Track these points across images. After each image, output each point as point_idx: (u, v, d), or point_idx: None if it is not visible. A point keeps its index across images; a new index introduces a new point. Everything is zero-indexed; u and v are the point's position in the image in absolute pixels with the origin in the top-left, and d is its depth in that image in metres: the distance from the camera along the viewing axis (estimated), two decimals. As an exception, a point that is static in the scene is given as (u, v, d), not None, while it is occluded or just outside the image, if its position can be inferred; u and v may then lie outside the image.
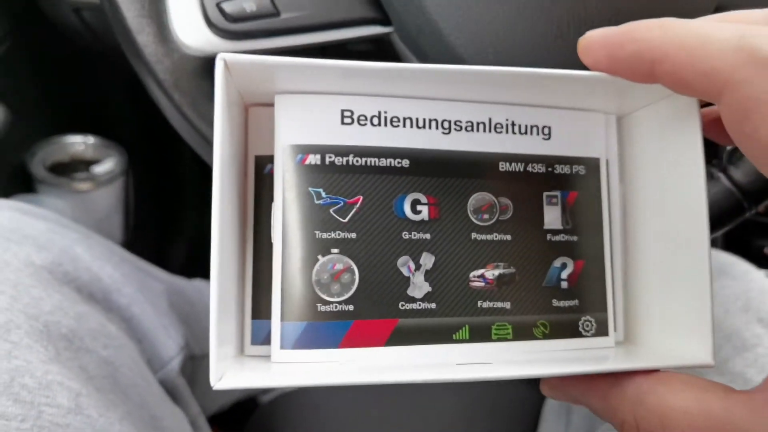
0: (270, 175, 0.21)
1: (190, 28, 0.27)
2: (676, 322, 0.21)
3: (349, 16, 0.28)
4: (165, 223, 0.77)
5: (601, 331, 0.22)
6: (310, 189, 0.20)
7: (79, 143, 0.66)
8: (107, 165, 0.66)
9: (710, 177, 0.28)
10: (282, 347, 0.20)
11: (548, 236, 0.22)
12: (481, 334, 0.21)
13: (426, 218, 0.21)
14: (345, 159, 0.20)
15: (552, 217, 0.22)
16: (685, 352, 0.20)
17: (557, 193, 0.22)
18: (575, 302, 0.22)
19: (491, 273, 0.21)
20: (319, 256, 0.20)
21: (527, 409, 0.49)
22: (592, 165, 0.23)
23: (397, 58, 0.29)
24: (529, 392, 0.50)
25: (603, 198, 0.23)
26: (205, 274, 0.23)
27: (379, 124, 0.21)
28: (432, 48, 0.26)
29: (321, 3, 0.27)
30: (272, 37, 0.27)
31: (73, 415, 0.26)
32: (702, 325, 0.19)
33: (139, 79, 0.29)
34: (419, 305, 0.20)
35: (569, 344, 0.22)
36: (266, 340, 0.21)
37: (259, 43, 0.27)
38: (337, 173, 0.20)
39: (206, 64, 0.27)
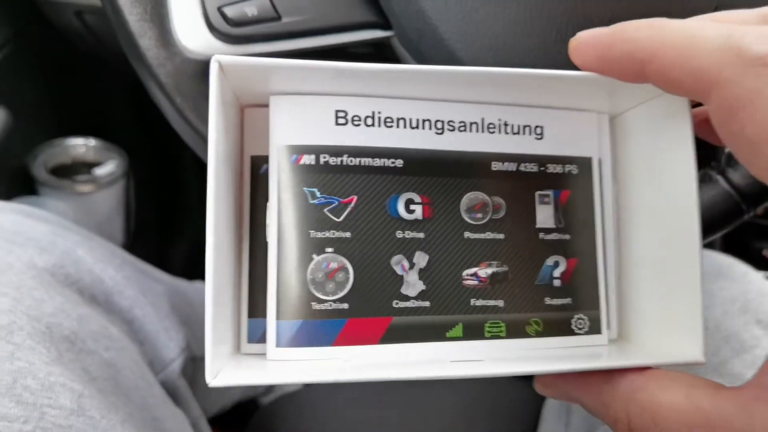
0: (266, 176, 0.21)
1: (191, 32, 0.27)
2: (669, 320, 0.21)
3: (350, 20, 0.28)
4: (166, 224, 0.78)
5: (594, 328, 0.22)
6: (304, 189, 0.20)
7: (80, 146, 0.66)
8: (108, 167, 0.66)
9: (708, 179, 0.28)
10: (277, 345, 0.20)
11: (541, 235, 0.22)
12: (474, 332, 0.21)
13: (420, 217, 0.21)
14: (339, 159, 0.21)
15: (545, 215, 0.22)
16: (677, 350, 0.20)
17: (550, 192, 0.22)
18: (568, 300, 0.22)
19: (484, 271, 0.21)
20: (314, 255, 0.20)
21: (527, 409, 0.49)
22: (584, 164, 0.23)
23: (397, 61, 0.29)
24: (529, 392, 0.50)
25: (595, 197, 0.23)
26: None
27: (373, 125, 0.21)
28: (432, 52, 0.26)
29: (322, 7, 0.28)
30: (273, 41, 0.27)
31: (76, 417, 0.26)
32: (693, 323, 0.19)
33: (141, 82, 0.30)
34: (413, 303, 0.21)
35: (562, 342, 0.22)
36: (262, 339, 0.21)
37: (261, 47, 0.27)
38: (331, 173, 0.20)
39: (207, 68, 0.27)
